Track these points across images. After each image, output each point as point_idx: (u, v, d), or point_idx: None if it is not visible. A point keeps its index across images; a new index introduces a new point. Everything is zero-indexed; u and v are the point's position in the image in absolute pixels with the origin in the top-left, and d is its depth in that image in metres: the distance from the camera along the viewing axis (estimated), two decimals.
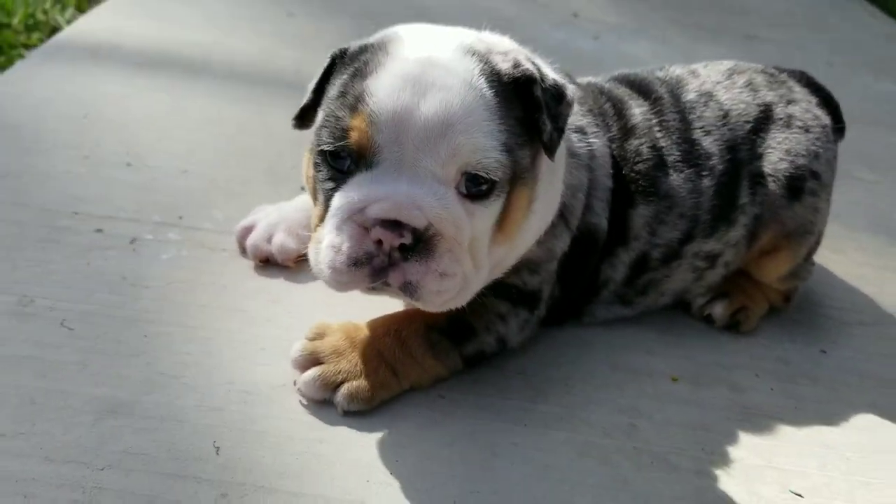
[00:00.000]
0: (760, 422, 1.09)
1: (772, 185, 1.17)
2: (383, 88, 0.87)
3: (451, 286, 0.88)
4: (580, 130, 1.10)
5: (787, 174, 1.17)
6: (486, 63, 0.91)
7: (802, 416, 1.11)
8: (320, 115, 0.93)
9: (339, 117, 0.88)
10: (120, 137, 1.50)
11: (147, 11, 2.04)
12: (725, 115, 1.19)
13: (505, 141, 0.89)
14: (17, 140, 1.46)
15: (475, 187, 0.89)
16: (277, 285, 1.19)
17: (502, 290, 1.07)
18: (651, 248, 1.15)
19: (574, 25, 2.43)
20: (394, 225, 0.85)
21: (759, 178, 1.17)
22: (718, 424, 1.07)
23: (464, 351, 1.06)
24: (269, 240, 1.21)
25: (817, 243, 1.24)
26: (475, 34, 1.01)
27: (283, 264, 1.21)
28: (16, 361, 1.01)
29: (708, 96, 1.20)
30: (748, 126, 1.18)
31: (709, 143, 1.16)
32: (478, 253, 0.92)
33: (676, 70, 1.25)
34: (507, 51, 0.96)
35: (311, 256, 0.93)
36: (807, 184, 1.17)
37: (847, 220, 1.57)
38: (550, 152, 0.94)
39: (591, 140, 1.10)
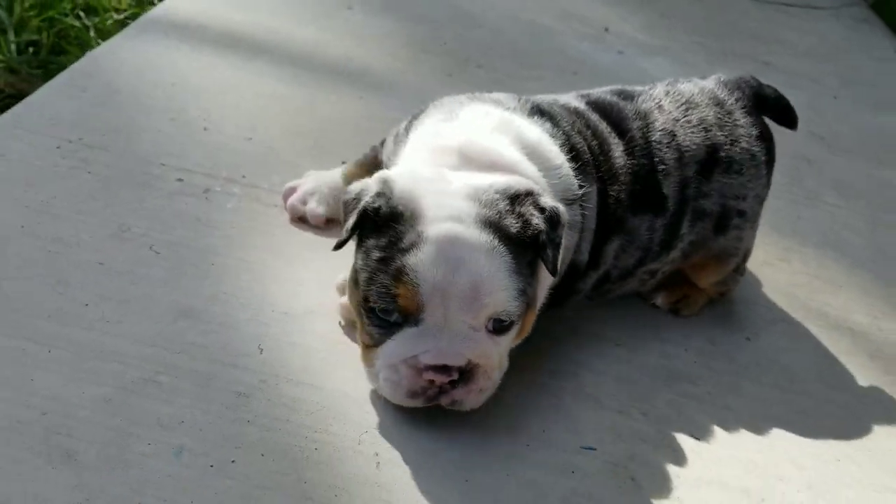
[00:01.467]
0: (679, 384, 1.38)
1: (707, 223, 1.40)
2: (422, 265, 1.09)
3: (487, 395, 1.19)
4: (584, 199, 1.29)
5: (719, 214, 1.40)
6: (500, 231, 1.12)
7: (713, 382, 1.40)
8: (364, 273, 1.14)
9: (386, 285, 1.11)
10: (199, 104, 1.82)
11: None
12: (681, 157, 1.38)
13: (521, 288, 1.13)
14: (120, 101, 1.78)
15: (499, 324, 1.15)
16: (311, 238, 1.51)
17: None
18: (612, 269, 1.40)
19: (602, 39, 2.69)
20: (443, 368, 1.13)
21: (699, 215, 1.40)
22: (644, 381, 1.37)
23: None
24: (304, 203, 1.52)
25: (744, 260, 1.51)
26: (490, 179, 1.17)
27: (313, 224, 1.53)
28: (115, 273, 1.34)
29: (671, 136, 1.38)
30: (696, 167, 1.38)
31: (666, 187, 1.37)
32: (503, 359, 1.20)
33: (645, 102, 1.42)
34: (519, 193, 1.15)
35: (367, 376, 1.20)
36: (733, 221, 1.41)
37: (801, 236, 1.84)
38: (555, 273, 1.16)
39: (586, 205, 1.30)
